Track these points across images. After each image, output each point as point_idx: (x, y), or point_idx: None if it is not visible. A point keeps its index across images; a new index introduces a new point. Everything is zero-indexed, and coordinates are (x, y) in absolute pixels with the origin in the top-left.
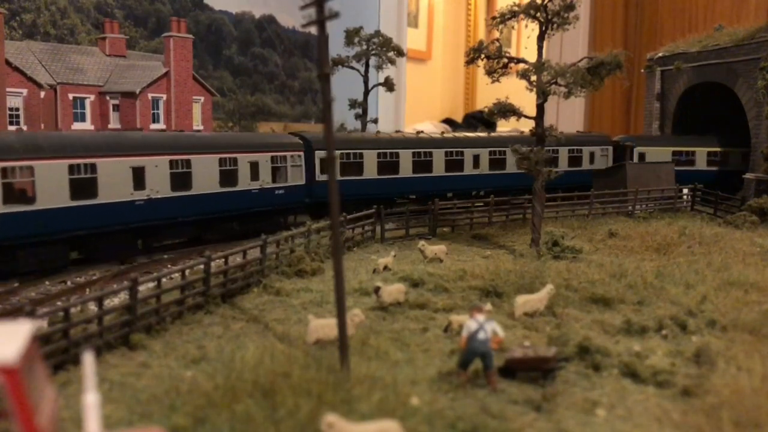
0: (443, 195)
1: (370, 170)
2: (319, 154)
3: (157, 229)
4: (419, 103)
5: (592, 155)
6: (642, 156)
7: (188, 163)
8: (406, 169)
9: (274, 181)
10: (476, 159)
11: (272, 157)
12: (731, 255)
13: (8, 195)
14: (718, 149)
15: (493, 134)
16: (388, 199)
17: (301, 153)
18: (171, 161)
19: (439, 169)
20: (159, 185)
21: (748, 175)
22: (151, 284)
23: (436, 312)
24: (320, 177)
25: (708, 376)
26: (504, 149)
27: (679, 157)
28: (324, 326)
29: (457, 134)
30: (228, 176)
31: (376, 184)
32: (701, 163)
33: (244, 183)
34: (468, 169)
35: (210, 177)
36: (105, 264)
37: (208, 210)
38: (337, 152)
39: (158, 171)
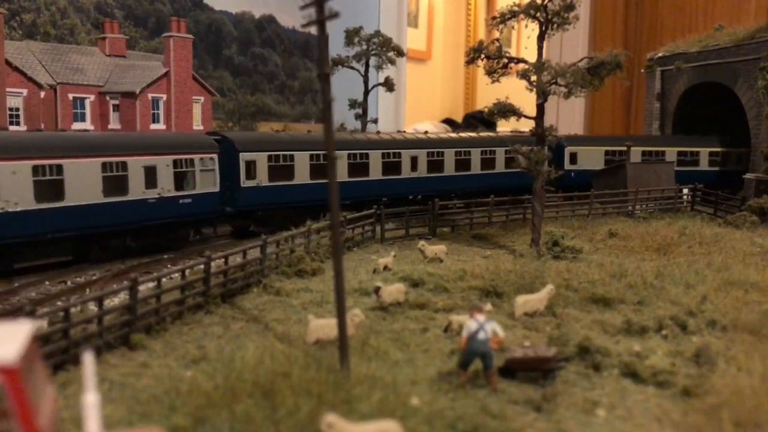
0: (378, 200)
1: (302, 175)
2: (245, 156)
3: (17, 247)
4: (419, 103)
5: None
6: (573, 156)
7: (59, 168)
8: (342, 175)
9: (177, 188)
10: (414, 161)
11: (174, 161)
12: (731, 255)
13: None
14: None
15: (435, 134)
16: (321, 204)
17: (214, 155)
18: (34, 167)
19: (376, 172)
20: (17, 196)
21: (748, 175)
22: (151, 284)
23: (436, 312)
24: (246, 183)
25: (708, 376)
26: (442, 150)
27: (611, 157)
28: (324, 326)
29: (395, 135)
30: (115, 183)
31: (309, 189)
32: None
33: (137, 191)
34: (406, 172)
35: (90, 185)
36: (104, 264)
37: (88, 224)
38: (264, 154)
39: (16, 178)
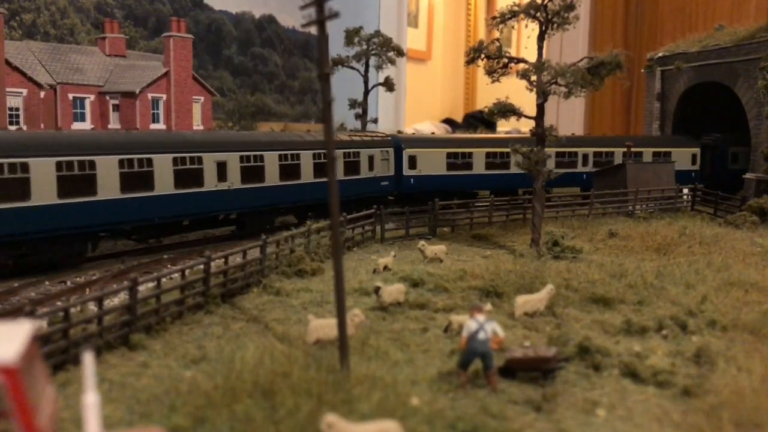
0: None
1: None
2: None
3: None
4: (419, 103)
5: (371, 159)
6: (412, 159)
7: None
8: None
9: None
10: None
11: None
12: (731, 255)
13: None
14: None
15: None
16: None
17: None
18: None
19: (235, 178)
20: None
21: (748, 175)
22: (151, 284)
23: (436, 312)
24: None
25: (708, 376)
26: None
27: (454, 160)
28: (324, 326)
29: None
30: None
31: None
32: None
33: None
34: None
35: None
36: (105, 263)
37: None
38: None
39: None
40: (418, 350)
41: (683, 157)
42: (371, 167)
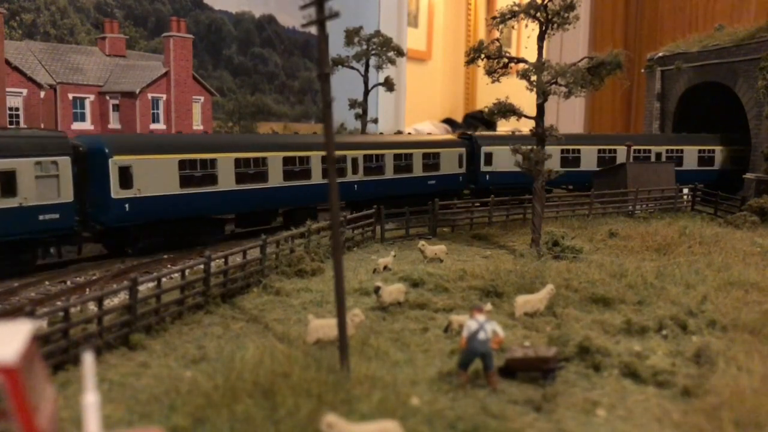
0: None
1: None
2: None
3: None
4: (419, 103)
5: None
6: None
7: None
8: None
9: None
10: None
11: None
12: (731, 255)
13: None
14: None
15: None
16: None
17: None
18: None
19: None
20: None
21: (748, 175)
22: (151, 284)
23: (436, 312)
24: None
25: (708, 376)
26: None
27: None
28: (324, 326)
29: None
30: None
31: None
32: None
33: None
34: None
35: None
36: (105, 263)
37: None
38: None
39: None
40: (418, 350)
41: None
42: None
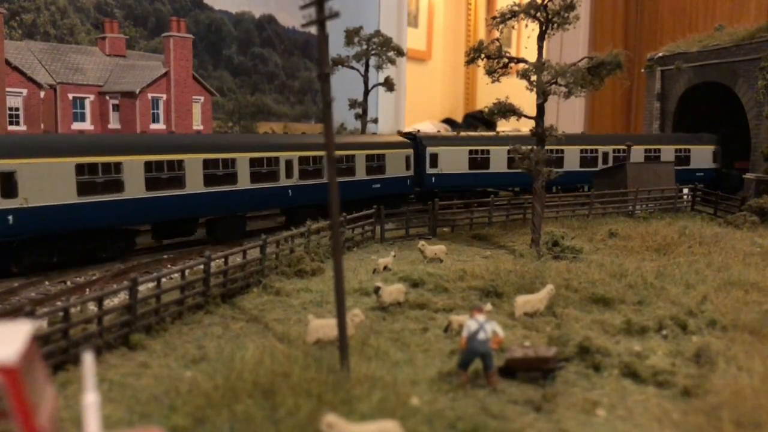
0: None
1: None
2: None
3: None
4: (419, 103)
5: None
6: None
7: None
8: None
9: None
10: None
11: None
12: (731, 255)
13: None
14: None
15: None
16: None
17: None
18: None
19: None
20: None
21: (748, 175)
22: (151, 284)
23: (436, 312)
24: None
25: (708, 376)
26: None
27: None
28: (324, 326)
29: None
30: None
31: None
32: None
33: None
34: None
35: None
36: (106, 263)
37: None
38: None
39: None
40: (418, 350)
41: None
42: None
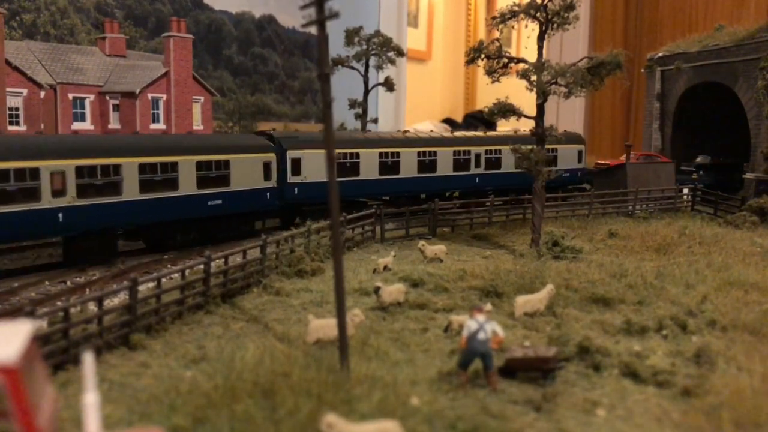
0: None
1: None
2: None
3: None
4: (419, 103)
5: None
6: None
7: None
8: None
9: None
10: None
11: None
12: (731, 255)
13: None
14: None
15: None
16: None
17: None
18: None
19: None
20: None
21: (748, 175)
22: (151, 284)
23: (436, 312)
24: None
25: (708, 376)
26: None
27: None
28: (324, 326)
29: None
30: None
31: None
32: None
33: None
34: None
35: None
36: (107, 263)
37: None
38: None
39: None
40: (418, 350)
41: None
42: None
